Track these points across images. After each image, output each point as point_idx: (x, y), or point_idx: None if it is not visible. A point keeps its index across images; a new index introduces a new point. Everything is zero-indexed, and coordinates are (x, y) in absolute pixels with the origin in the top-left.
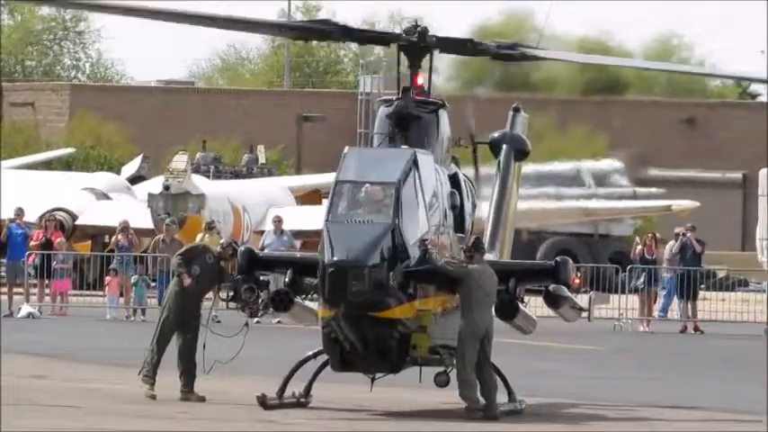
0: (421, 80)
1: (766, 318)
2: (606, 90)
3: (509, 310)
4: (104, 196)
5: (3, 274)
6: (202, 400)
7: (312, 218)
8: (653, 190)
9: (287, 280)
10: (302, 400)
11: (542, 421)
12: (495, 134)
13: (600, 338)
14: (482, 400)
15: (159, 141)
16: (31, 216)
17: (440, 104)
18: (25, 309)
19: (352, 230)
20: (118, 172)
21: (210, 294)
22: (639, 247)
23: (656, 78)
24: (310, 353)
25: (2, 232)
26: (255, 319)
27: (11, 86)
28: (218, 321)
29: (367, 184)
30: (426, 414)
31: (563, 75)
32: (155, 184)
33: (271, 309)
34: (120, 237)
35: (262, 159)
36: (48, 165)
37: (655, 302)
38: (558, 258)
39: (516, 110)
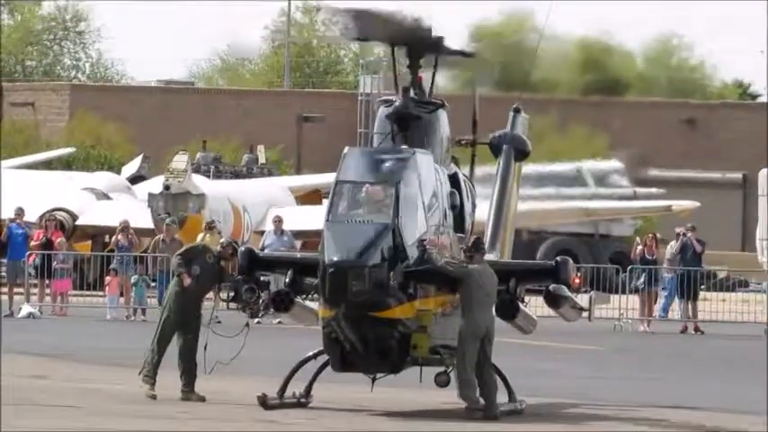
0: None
1: (766, 318)
2: (606, 91)
3: (509, 309)
4: (104, 196)
5: (3, 274)
6: (203, 400)
7: (312, 218)
8: (653, 190)
9: (287, 280)
10: (303, 400)
11: (542, 421)
12: (496, 134)
13: (600, 338)
14: (482, 401)
15: (159, 141)
16: (32, 216)
17: (439, 104)
18: (26, 309)
19: (352, 230)
20: (118, 172)
21: (211, 294)
22: (640, 247)
23: (657, 79)
24: (311, 353)
25: (2, 232)
26: (256, 320)
27: (11, 86)
28: (219, 322)
29: (367, 185)
30: (427, 414)
31: (563, 75)
32: (155, 184)
33: (271, 309)
34: (120, 237)
35: (262, 159)
36: (48, 165)
37: (655, 303)
38: (558, 258)
39: (517, 110)
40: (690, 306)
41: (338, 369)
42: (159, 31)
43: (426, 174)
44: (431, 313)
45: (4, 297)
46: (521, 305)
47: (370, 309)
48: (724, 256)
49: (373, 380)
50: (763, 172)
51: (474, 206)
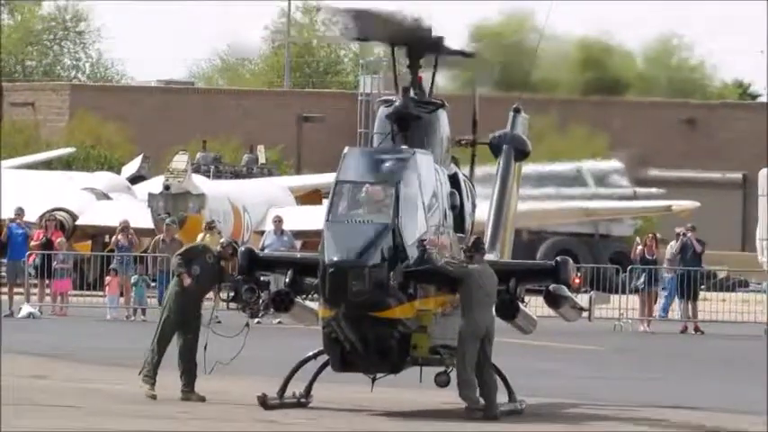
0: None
1: (766, 318)
2: (606, 90)
3: (509, 309)
4: (104, 196)
5: (3, 274)
6: (203, 400)
7: (312, 218)
8: (653, 190)
9: (287, 280)
10: (303, 400)
11: (542, 421)
12: (496, 134)
13: (600, 338)
14: (482, 401)
15: (159, 141)
16: (32, 216)
17: (439, 104)
18: (26, 309)
19: (352, 230)
20: (118, 172)
21: (211, 295)
22: (640, 247)
23: (657, 79)
24: (311, 353)
25: (2, 232)
26: (256, 320)
27: (11, 86)
28: (219, 322)
29: (367, 185)
30: (427, 414)
31: (563, 75)
32: (155, 184)
33: (271, 309)
34: (120, 237)
35: (262, 159)
36: (48, 164)
37: (655, 303)
38: (558, 258)
39: (516, 110)
40: (690, 306)
41: (338, 369)
42: (159, 31)
43: (426, 174)
44: (431, 313)
45: (4, 297)
46: (521, 305)
47: (370, 309)
48: (724, 256)
49: (373, 380)
50: (763, 172)
51: (474, 206)
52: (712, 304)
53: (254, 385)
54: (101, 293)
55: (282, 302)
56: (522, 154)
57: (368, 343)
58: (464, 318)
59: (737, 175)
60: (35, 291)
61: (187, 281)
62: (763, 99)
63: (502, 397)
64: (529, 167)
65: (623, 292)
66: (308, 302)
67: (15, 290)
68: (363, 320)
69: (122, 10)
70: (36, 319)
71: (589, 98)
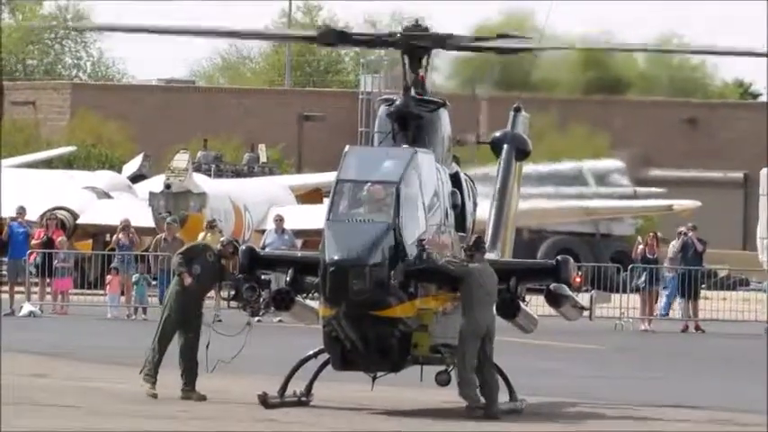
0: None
1: (767, 317)
2: (607, 90)
3: (510, 308)
4: (105, 195)
5: (4, 272)
6: (203, 398)
7: (313, 217)
8: (654, 189)
9: (288, 279)
10: (303, 398)
11: (543, 420)
12: (497, 134)
13: (601, 337)
14: (483, 399)
15: (160, 140)
16: (33, 215)
17: (441, 103)
18: (26, 307)
19: (353, 229)
20: (119, 171)
21: (213, 293)
22: (641, 246)
23: (658, 78)
24: (311, 352)
25: (3, 231)
26: (257, 318)
27: (12, 85)
28: (220, 320)
29: (368, 184)
30: (427, 413)
31: (564, 74)
32: (156, 183)
33: (272, 308)
34: (121, 235)
35: (263, 158)
36: (49, 163)
37: (656, 302)
38: (559, 257)
39: (517, 109)
40: (691, 305)
41: (339, 368)
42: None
43: (427, 173)
44: (431, 312)
45: (5, 296)
46: (521, 304)
47: (371, 308)
48: (725, 255)
49: (374, 379)
50: (763, 171)
51: (475, 205)
52: (713, 303)
53: (254, 384)
54: (101, 292)
55: (283, 301)
56: (522, 153)
57: (368, 342)
58: (465, 317)
59: (738, 175)
60: (36, 289)
61: (188, 280)
62: (763, 99)
63: (503, 396)
64: (529, 167)
65: (624, 291)
66: (308, 301)
67: (16, 288)
68: (364, 319)
69: (123, 9)
70: (37, 317)
71: (590, 97)
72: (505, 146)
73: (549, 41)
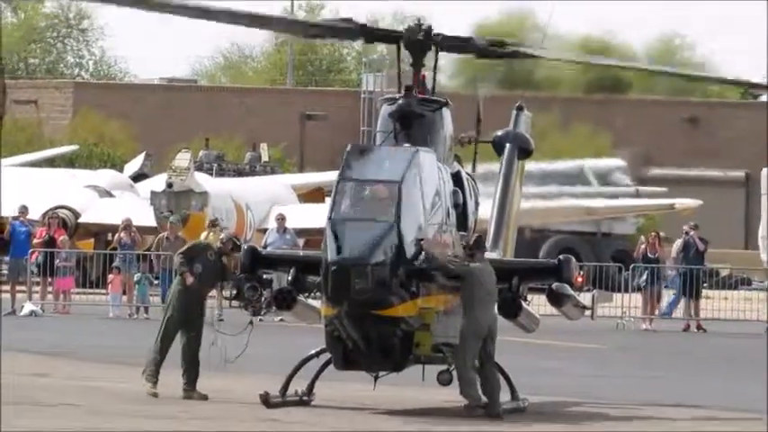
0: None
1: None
2: (609, 89)
3: (512, 308)
4: (107, 194)
5: (5, 271)
6: (205, 398)
7: (315, 216)
8: (655, 188)
9: (290, 278)
10: (305, 398)
11: (545, 420)
12: (499, 133)
13: (603, 337)
14: (484, 399)
15: (162, 139)
16: (35, 214)
17: (443, 102)
18: (28, 307)
19: (354, 229)
20: (121, 170)
21: (215, 293)
22: (643, 246)
23: (659, 78)
24: (313, 351)
25: (5, 230)
26: (258, 318)
27: (14, 84)
28: (222, 320)
29: (370, 183)
30: (429, 412)
31: (566, 73)
32: (158, 182)
33: (273, 307)
34: (122, 235)
35: (265, 157)
36: (51, 162)
37: (658, 301)
38: (560, 257)
39: (519, 108)
40: (692, 304)
41: (341, 367)
42: (162, 29)
43: (429, 172)
44: (433, 311)
45: (7, 295)
46: (523, 303)
47: (373, 307)
48: (726, 255)
49: (376, 378)
50: (764, 171)
51: (477, 204)
52: (715, 302)
53: (256, 383)
54: (103, 291)
55: (285, 300)
56: (524, 152)
57: (370, 341)
58: (466, 317)
59: (740, 174)
60: (37, 289)
61: (189, 279)
62: (763, 98)
63: (505, 395)
64: (532, 166)
65: (626, 290)
66: (310, 300)
67: (18, 288)
68: (366, 318)
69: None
70: (38, 317)
71: (591, 97)
72: (508, 145)
73: (551, 41)
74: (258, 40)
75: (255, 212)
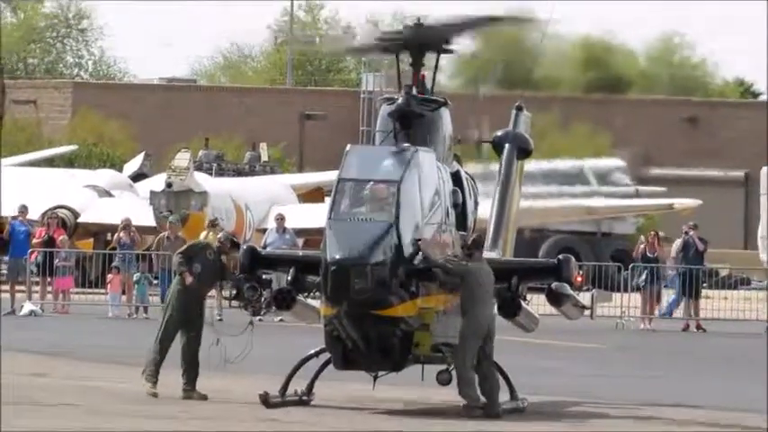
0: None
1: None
2: (608, 88)
3: (511, 307)
4: (107, 194)
5: (5, 271)
6: (204, 398)
7: (314, 216)
8: (655, 188)
9: (289, 278)
10: (304, 398)
11: (544, 419)
12: (498, 133)
13: (602, 336)
14: (483, 398)
15: (161, 139)
16: (34, 213)
17: (442, 102)
18: (27, 306)
19: (354, 228)
20: (120, 169)
21: (214, 293)
22: (643, 245)
23: (659, 77)
24: (313, 351)
25: (4, 230)
26: (258, 318)
27: (13, 84)
28: (221, 320)
29: (369, 183)
30: (428, 412)
31: (566, 73)
32: (157, 182)
33: (273, 307)
34: (122, 234)
35: (264, 157)
36: (50, 162)
37: (657, 301)
38: (560, 256)
39: (519, 108)
40: (692, 304)
41: (340, 367)
42: (161, 29)
43: (428, 172)
44: (433, 311)
45: (6, 295)
46: (522, 303)
47: (373, 307)
48: (726, 254)
49: (375, 378)
50: (764, 170)
51: (476, 204)
52: (714, 302)
53: (255, 383)
54: (103, 291)
55: (284, 300)
56: (524, 152)
57: (370, 341)
58: (465, 316)
59: (739, 174)
60: (37, 288)
61: (189, 279)
62: (764, 98)
63: (504, 395)
64: (531, 165)
65: (625, 290)
66: (309, 300)
67: (17, 287)
68: (365, 318)
69: (125, 8)
70: (38, 316)
71: (591, 96)
72: (507, 145)
73: (551, 40)
74: (258, 40)
75: (255, 212)
